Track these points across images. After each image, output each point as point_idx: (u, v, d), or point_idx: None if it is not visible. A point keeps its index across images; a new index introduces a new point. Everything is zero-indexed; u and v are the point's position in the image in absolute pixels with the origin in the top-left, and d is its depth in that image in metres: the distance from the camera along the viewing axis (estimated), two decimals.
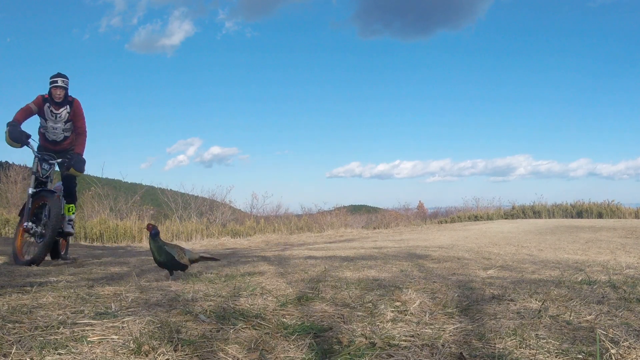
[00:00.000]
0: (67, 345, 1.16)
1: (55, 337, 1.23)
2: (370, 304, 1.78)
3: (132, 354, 1.13)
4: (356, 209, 23.38)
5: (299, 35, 34.34)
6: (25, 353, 1.10)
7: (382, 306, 1.72)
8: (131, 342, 1.19)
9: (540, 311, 1.64)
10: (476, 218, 17.89)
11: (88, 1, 30.40)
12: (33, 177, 4.07)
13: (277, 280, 2.46)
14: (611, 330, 1.39)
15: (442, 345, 1.26)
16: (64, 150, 4.32)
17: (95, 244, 9.08)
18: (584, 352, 1.20)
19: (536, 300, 1.86)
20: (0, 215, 8.99)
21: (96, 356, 1.11)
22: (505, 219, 17.25)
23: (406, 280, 2.43)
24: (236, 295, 1.93)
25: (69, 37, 30.35)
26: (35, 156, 4.10)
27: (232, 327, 1.40)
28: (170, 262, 2.61)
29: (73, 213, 4.45)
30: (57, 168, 4.24)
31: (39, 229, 4.01)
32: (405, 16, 34.57)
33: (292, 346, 1.25)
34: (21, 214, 4.19)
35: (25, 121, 4.08)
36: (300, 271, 2.87)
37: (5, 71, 30.85)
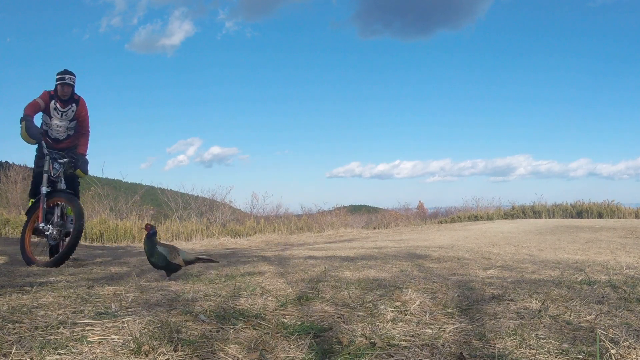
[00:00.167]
0: (67, 345, 1.16)
1: (55, 337, 1.23)
2: (370, 304, 1.78)
3: (132, 354, 1.13)
4: (356, 209, 23.38)
5: (299, 35, 34.38)
6: (25, 353, 1.10)
7: (382, 306, 1.72)
8: (131, 342, 1.19)
9: (540, 311, 1.64)
10: (476, 218, 17.88)
11: (88, 1, 30.43)
12: (45, 176, 3.97)
13: (277, 280, 2.46)
14: (611, 330, 1.39)
15: (442, 345, 1.26)
16: (64, 149, 4.27)
17: (95, 244, 9.07)
18: (584, 352, 1.20)
19: (536, 300, 1.86)
20: (0, 215, 8.98)
21: (96, 356, 1.11)
22: (505, 219, 17.25)
23: (406, 280, 2.43)
24: (236, 295, 1.93)
25: (69, 37, 30.38)
26: (46, 154, 4.01)
27: (232, 327, 1.40)
28: (162, 262, 2.59)
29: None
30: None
31: (55, 231, 3.94)
32: (405, 16, 34.60)
33: (292, 346, 1.25)
34: (28, 213, 4.11)
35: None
36: (300, 271, 2.87)
37: (5, 71, 30.89)
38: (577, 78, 32.75)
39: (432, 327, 1.46)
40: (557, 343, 1.28)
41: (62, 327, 1.31)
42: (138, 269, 3.39)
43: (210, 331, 1.36)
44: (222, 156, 34.97)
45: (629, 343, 1.26)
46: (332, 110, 36.87)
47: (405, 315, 1.61)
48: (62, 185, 4.11)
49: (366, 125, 36.72)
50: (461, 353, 1.19)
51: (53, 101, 4.10)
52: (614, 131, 33.71)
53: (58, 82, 4.10)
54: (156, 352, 1.14)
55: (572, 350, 1.21)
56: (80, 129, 4.30)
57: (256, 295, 1.94)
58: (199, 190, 18.08)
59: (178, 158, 34.96)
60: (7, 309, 1.53)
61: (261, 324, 1.46)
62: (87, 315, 1.47)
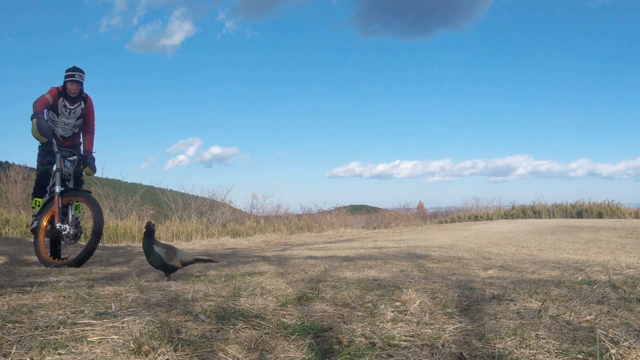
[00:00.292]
0: (67, 345, 1.16)
1: (55, 337, 1.23)
2: (370, 304, 1.78)
3: (132, 354, 1.13)
4: (356, 209, 23.37)
5: (299, 35, 34.43)
6: (25, 353, 1.10)
7: (382, 306, 1.72)
8: (131, 342, 1.19)
9: (540, 311, 1.64)
10: (476, 218, 17.88)
11: (88, 1, 30.45)
12: (58, 174, 3.94)
13: (277, 280, 2.46)
14: (611, 330, 1.39)
15: (442, 345, 1.26)
16: (69, 146, 4.24)
17: None
18: (584, 352, 1.20)
19: (536, 300, 1.86)
20: (0, 215, 8.97)
21: (96, 356, 1.11)
22: (505, 219, 17.25)
23: (406, 280, 2.43)
24: (236, 295, 1.93)
25: (69, 37, 30.43)
26: (57, 152, 3.99)
27: (232, 327, 1.40)
28: (158, 262, 2.58)
29: (79, 211, 4.40)
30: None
31: (72, 231, 3.91)
32: (405, 16, 34.62)
33: (292, 346, 1.25)
34: (40, 214, 4.05)
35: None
36: (300, 271, 2.87)
37: (5, 71, 30.90)
38: (577, 78, 32.82)
39: (432, 327, 1.46)
40: (557, 343, 1.28)
41: (62, 327, 1.31)
42: (138, 269, 3.39)
43: (210, 331, 1.36)
44: (222, 156, 35.04)
45: (629, 343, 1.26)
46: (332, 110, 36.94)
47: (405, 315, 1.61)
48: (71, 183, 4.10)
49: (366, 125, 36.81)
50: (461, 353, 1.19)
51: (62, 98, 4.06)
52: (614, 131, 33.79)
53: (67, 80, 4.05)
54: (156, 352, 1.14)
55: (572, 350, 1.21)
56: (86, 127, 4.29)
57: (256, 295, 1.94)
58: (199, 190, 18.08)
59: (178, 158, 35.05)
60: (7, 309, 1.53)
61: (261, 324, 1.46)
62: (87, 315, 1.47)
